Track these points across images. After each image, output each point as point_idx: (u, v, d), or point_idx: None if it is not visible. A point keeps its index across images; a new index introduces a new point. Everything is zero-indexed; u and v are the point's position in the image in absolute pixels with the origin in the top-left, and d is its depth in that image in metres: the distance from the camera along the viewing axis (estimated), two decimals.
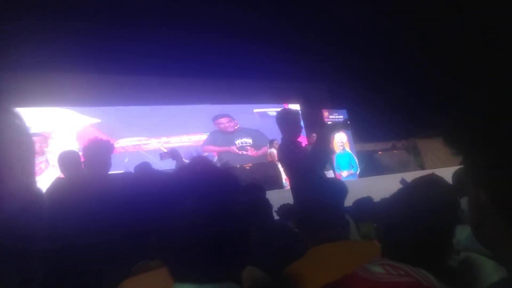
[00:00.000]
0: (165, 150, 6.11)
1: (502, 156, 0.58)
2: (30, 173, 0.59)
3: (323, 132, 3.41)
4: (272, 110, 10.21)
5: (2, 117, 0.55)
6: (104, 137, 4.16)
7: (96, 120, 8.06)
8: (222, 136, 9.27)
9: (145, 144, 8.42)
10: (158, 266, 1.29)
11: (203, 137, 9.07)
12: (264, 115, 10.08)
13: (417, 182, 1.49)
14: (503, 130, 0.58)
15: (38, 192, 0.60)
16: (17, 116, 0.57)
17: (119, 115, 8.36)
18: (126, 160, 7.55)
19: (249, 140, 9.55)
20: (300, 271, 1.44)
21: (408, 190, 1.36)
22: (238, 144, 9.37)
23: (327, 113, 10.06)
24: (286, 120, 3.43)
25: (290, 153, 3.33)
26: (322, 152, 3.34)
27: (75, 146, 6.70)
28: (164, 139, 8.57)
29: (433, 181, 1.48)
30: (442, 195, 1.29)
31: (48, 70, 6.85)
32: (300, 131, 3.49)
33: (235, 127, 9.46)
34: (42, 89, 6.94)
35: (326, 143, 3.41)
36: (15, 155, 0.55)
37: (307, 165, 3.20)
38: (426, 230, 1.21)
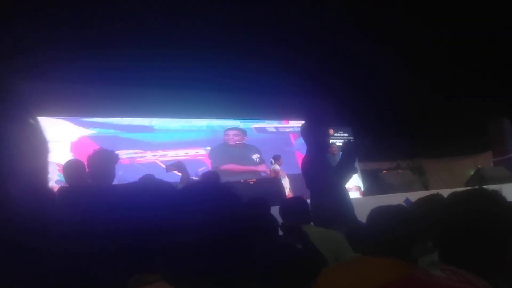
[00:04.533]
0: (163, 165, 6.06)
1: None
2: (45, 177, 0.59)
3: (349, 150, 3.41)
4: (271, 126, 10.29)
5: (23, 125, 0.55)
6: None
7: (91, 132, 8.08)
8: (233, 150, 9.32)
9: (140, 157, 8.43)
10: (157, 280, 1.26)
11: (200, 151, 9.11)
12: (262, 130, 10.14)
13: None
14: None
15: (51, 193, 0.61)
16: (36, 125, 0.58)
17: (115, 127, 8.39)
18: (121, 172, 7.54)
19: (258, 155, 9.61)
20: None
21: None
22: (256, 159, 9.45)
23: (332, 130, 10.06)
24: (312, 133, 3.42)
25: (315, 167, 3.33)
26: (347, 169, 3.34)
27: (69, 156, 6.68)
28: (160, 152, 8.59)
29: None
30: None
31: (45, 80, 6.87)
32: (327, 145, 3.50)
33: (238, 142, 9.51)
34: (38, 99, 6.95)
35: (352, 160, 3.41)
36: (34, 160, 0.55)
37: (331, 181, 3.20)
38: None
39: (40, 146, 0.60)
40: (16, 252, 0.64)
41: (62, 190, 2.92)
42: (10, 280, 0.64)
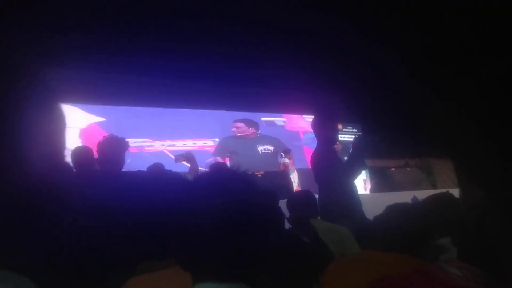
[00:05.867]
0: (171, 155, 6.04)
1: (495, 151, 0.56)
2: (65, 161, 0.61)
3: (360, 145, 3.40)
4: (280, 120, 10.24)
5: (47, 110, 0.56)
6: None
7: (101, 119, 8.09)
8: (236, 141, 9.28)
9: (148, 146, 8.43)
10: (166, 267, 1.27)
11: (209, 142, 9.08)
12: (271, 124, 10.09)
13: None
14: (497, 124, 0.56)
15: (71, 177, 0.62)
16: (60, 110, 0.59)
17: (124, 115, 8.39)
18: (129, 160, 7.55)
19: (271, 148, 9.52)
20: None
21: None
22: (261, 151, 9.37)
23: (340, 126, 9.99)
24: (323, 127, 3.41)
25: (326, 161, 3.33)
26: (357, 165, 3.33)
27: (77, 143, 6.67)
28: (168, 142, 8.57)
29: None
30: None
31: (55, 66, 6.85)
32: (336, 139, 3.50)
33: (242, 134, 9.44)
34: (48, 85, 6.91)
35: (362, 156, 3.40)
36: (56, 145, 0.56)
37: (341, 175, 3.19)
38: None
39: (61, 132, 0.61)
40: (29, 234, 0.64)
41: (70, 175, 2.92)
42: (19, 260, 0.64)
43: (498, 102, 0.58)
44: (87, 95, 7.49)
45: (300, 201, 2.87)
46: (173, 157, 4.10)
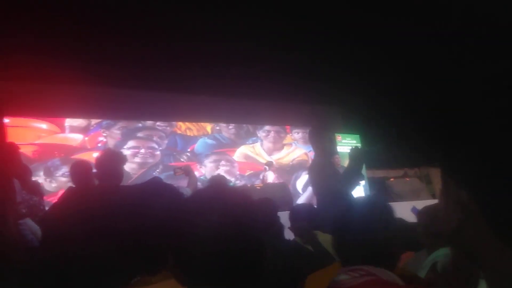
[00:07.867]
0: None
1: (483, 151, 0.55)
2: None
3: (356, 156, 3.41)
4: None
5: None
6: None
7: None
8: None
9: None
10: (160, 280, 1.26)
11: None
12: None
13: None
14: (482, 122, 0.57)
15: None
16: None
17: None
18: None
19: None
20: None
21: None
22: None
23: (339, 137, 10.01)
24: (320, 138, 3.42)
25: (322, 173, 3.33)
26: (353, 176, 3.33)
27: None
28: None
29: None
30: None
31: (45, 81, 6.85)
32: (334, 151, 3.50)
33: None
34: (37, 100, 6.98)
35: (358, 167, 3.40)
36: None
37: (339, 187, 3.19)
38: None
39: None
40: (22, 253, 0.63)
41: (70, 190, 2.92)
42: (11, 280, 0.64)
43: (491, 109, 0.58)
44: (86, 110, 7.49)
45: (303, 213, 2.89)
46: (172, 171, 4.09)
